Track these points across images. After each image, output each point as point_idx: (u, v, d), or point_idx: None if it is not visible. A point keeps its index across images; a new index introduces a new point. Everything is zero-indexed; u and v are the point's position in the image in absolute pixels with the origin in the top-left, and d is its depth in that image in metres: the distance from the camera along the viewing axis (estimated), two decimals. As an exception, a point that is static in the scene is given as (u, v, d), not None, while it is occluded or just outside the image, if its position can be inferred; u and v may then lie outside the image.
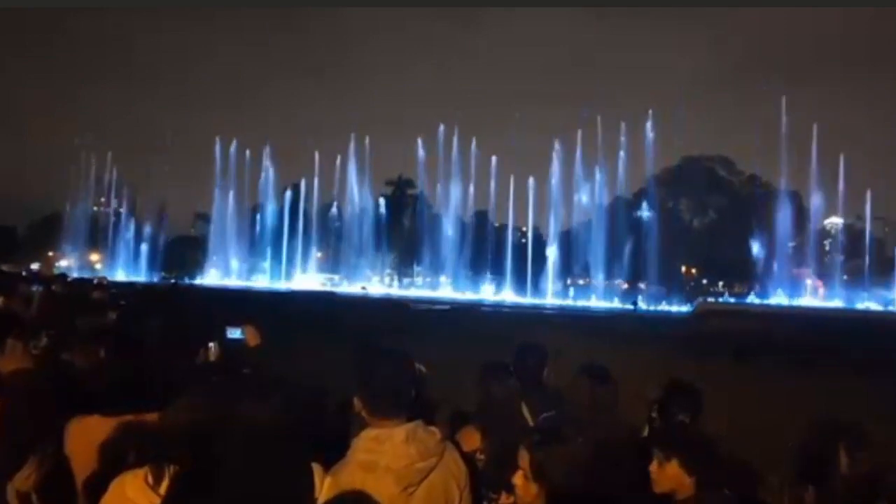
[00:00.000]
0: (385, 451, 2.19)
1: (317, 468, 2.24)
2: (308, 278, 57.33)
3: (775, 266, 49.84)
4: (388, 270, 63.89)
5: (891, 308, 45.73)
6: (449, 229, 56.41)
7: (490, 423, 3.14)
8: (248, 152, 61.59)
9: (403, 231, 60.05)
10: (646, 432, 3.32)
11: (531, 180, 54.33)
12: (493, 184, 56.58)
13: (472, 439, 3.08)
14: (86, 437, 2.71)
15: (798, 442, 2.64)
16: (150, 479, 2.21)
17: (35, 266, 59.51)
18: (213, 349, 3.96)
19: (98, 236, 67.69)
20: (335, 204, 60.70)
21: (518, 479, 2.22)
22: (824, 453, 2.49)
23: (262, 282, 57.46)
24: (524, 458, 2.22)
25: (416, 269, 60.71)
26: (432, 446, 2.28)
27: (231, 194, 61.13)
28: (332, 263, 60.00)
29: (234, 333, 4.18)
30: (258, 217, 61.45)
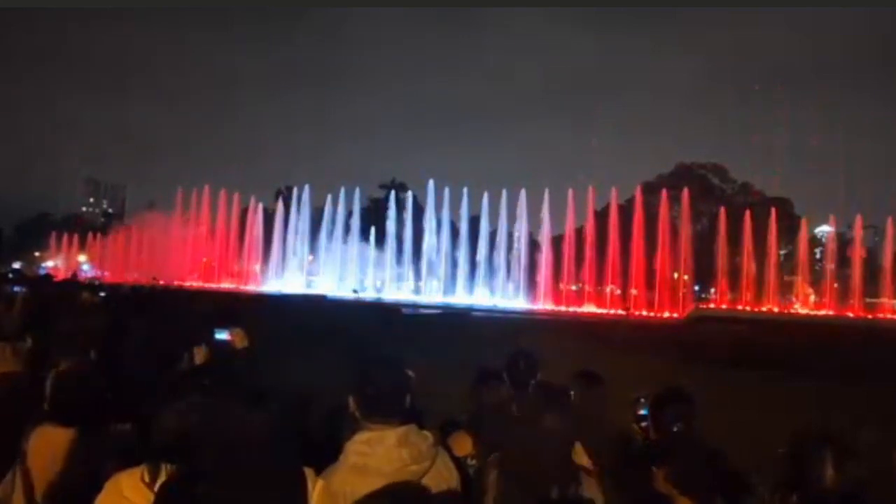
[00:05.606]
0: (377, 454, 2.18)
1: (309, 472, 2.22)
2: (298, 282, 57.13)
3: (766, 273, 50.15)
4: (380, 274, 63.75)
5: (880, 315, 46.12)
6: (442, 233, 56.42)
7: (482, 428, 3.11)
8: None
9: (397, 234, 59.84)
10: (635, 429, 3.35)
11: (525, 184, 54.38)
12: (486, 189, 56.80)
13: (463, 444, 3.06)
14: (48, 446, 2.68)
15: (785, 448, 2.63)
16: (146, 477, 2.21)
17: (17, 265, 59.01)
18: (199, 352, 3.92)
19: (85, 237, 67.09)
20: (326, 206, 60.47)
21: None
22: (810, 461, 2.48)
23: (252, 285, 57.17)
24: None
25: (409, 272, 60.59)
26: (424, 450, 2.27)
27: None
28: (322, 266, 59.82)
29: (222, 335, 4.15)
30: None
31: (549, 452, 2.51)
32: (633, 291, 51.23)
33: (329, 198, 60.27)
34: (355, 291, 51.01)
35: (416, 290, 57.45)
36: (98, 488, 2.24)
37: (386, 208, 59.79)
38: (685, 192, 51.56)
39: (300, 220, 60.45)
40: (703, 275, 52.97)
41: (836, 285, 51.57)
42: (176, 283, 50.05)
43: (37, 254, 71.00)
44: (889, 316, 46.02)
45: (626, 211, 52.72)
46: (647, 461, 2.62)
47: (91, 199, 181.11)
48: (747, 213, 50.10)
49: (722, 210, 50.77)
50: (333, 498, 2.13)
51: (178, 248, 59.68)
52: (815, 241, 59.93)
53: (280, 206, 61.29)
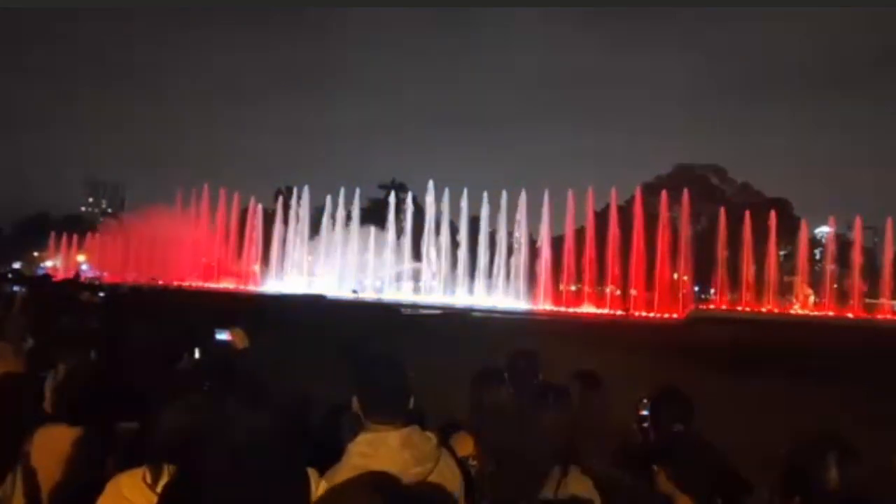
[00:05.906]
0: (380, 455, 2.17)
1: (312, 473, 2.22)
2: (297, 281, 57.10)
3: (766, 274, 50.18)
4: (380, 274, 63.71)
5: (880, 316, 46.15)
6: (442, 233, 56.39)
7: (482, 428, 3.11)
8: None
9: (396, 235, 59.79)
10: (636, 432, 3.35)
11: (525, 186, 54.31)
12: (485, 190, 56.81)
13: (465, 445, 3.05)
14: (52, 446, 2.68)
15: (787, 452, 2.63)
16: (148, 478, 2.20)
17: (16, 265, 59.02)
18: (196, 354, 3.92)
19: (84, 236, 66.98)
20: (326, 206, 60.43)
21: None
22: (813, 465, 2.47)
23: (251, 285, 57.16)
24: None
25: (409, 273, 60.56)
26: (427, 451, 2.26)
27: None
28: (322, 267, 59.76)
29: (222, 335, 4.15)
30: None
31: (548, 452, 2.51)
32: (633, 292, 51.21)
33: (329, 198, 60.28)
34: (355, 292, 50.96)
35: (416, 291, 57.40)
36: (102, 488, 2.24)
37: (386, 208, 59.73)
38: (685, 193, 51.53)
39: (300, 220, 60.46)
40: (703, 275, 52.96)
41: (835, 286, 51.60)
42: (175, 283, 50.06)
43: (36, 254, 70.96)
44: (889, 316, 46.06)
45: (625, 211, 52.72)
46: (647, 461, 2.62)
47: (91, 199, 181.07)
48: (747, 213, 50.08)
49: (722, 210, 50.76)
50: (335, 498, 2.12)
51: (177, 248, 59.67)
52: (814, 242, 59.96)
53: (280, 206, 61.30)
